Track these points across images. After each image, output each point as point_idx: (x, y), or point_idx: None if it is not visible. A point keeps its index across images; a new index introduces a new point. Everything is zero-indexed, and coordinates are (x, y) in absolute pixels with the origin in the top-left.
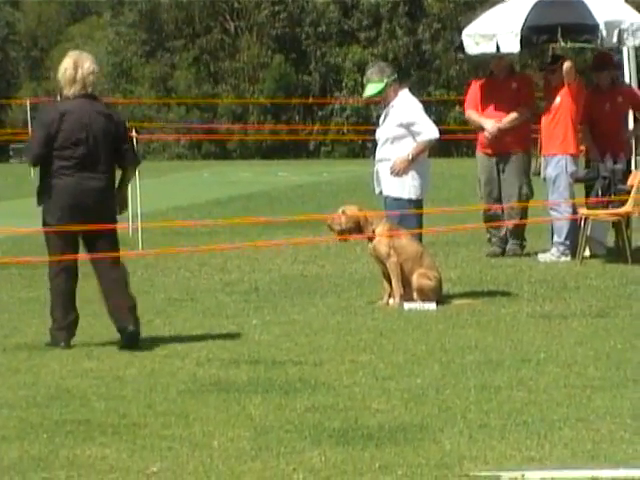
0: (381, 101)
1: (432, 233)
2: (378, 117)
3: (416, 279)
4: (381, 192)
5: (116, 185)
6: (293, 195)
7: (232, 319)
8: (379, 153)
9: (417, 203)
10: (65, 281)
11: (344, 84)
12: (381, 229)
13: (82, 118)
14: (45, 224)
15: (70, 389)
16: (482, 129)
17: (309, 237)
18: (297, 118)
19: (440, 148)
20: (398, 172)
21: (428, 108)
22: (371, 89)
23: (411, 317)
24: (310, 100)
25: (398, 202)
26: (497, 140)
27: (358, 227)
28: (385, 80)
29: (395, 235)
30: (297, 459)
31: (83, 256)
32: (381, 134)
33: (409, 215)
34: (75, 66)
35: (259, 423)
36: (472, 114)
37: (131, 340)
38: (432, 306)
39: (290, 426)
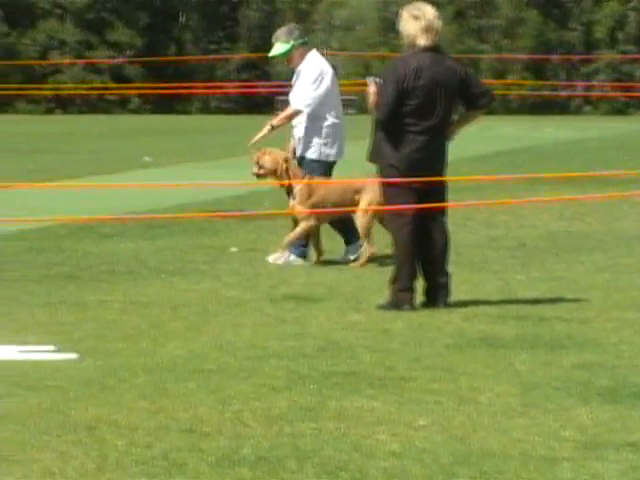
0: (288, 63)
1: None
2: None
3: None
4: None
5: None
6: (559, 151)
7: (498, 274)
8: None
9: (322, 164)
10: (410, 234)
11: (601, 41)
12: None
13: (436, 75)
14: (386, 176)
15: (337, 341)
16: None
17: (575, 194)
18: (558, 75)
19: None
20: (255, 141)
21: None
22: (276, 49)
23: None
24: (574, 57)
25: (306, 162)
26: None
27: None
28: (291, 42)
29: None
30: (564, 416)
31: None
32: (290, 98)
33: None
34: (421, 15)
35: (526, 379)
36: None
37: (442, 292)
38: None
39: (557, 383)
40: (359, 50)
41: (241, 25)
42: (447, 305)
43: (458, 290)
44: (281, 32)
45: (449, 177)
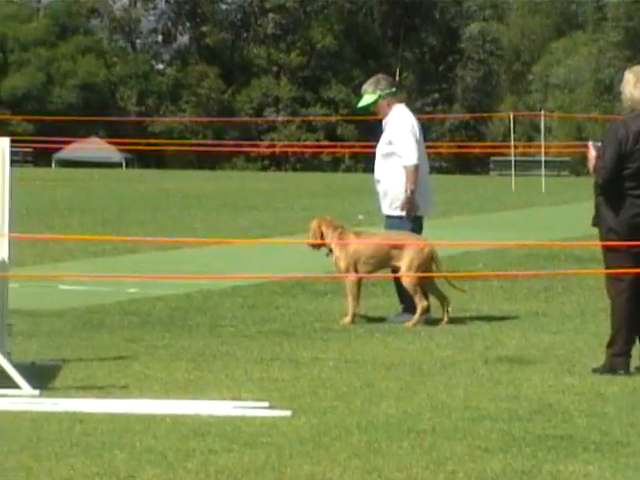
0: (376, 114)
1: None
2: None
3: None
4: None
5: None
6: None
7: None
8: (375, 173)
9: (414, 220)
10: (628, 300)
11: None
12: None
13: None
14: (606, 241)
15: (552, 404)
16: None
17: None
18: None
19: None
20: (411, 209)
21: None
22: (364, 100)
23: None
24: None
25: (392, 220)
26: None
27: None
28: (378, 92)
29: (347, 243)
30: None
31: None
32: (377, 150)
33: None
34: None
35: None
36: None
37: None
38: None
39: None
40: (573, 111)
41: (457, 85)
42: None
43: None
44: (368, 84)
45: None
